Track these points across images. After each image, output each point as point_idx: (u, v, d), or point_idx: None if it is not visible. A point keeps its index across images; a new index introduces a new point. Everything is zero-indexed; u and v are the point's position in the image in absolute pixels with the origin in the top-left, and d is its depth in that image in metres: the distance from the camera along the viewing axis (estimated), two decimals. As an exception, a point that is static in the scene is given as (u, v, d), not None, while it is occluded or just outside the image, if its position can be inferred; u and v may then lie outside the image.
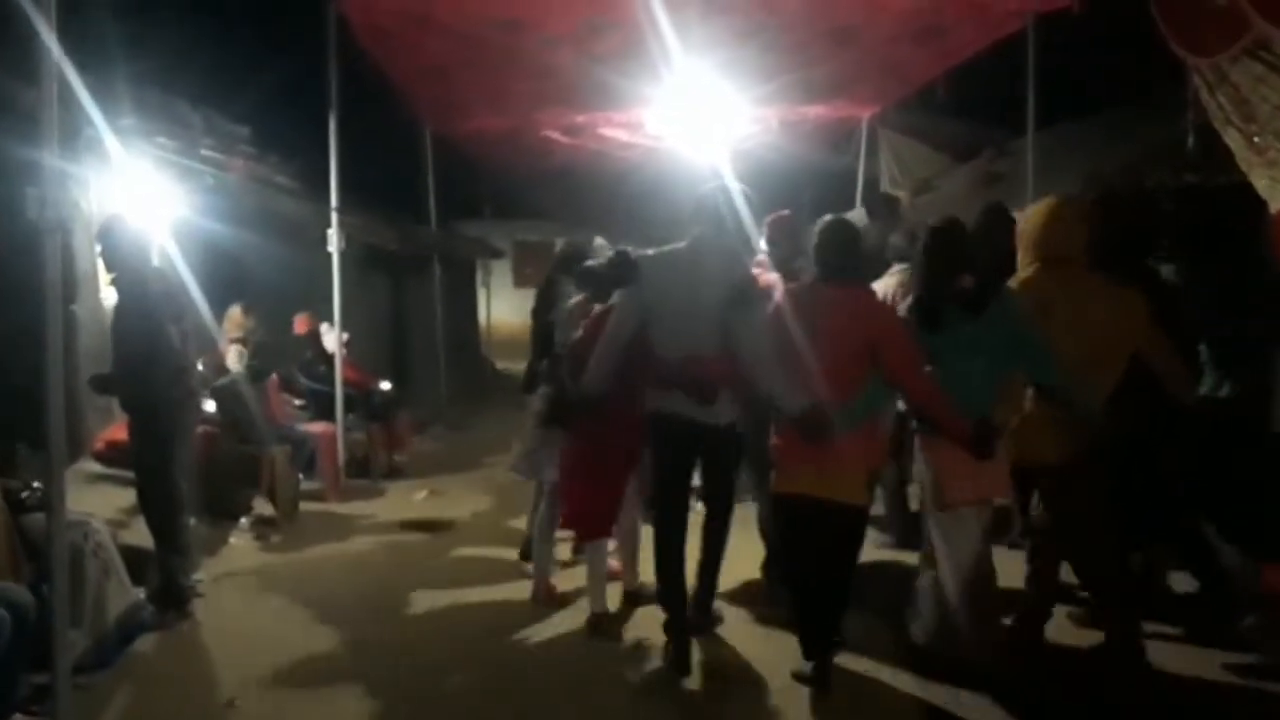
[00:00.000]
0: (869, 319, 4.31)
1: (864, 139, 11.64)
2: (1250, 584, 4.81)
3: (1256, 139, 5.36)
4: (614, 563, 5.63)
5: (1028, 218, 4.73)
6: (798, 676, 4.45)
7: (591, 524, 5.21)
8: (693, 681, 4.58)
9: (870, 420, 4.39)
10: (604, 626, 5.17)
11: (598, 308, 5.17)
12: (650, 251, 4.80)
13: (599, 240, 6.20)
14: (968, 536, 4.36)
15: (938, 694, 4.31)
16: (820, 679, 4.37)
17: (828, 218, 4.56)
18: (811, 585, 4.47)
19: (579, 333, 5.19)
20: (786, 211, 5.88)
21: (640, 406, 4.73)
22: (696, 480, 4.96)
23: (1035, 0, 6.91)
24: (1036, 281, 4.47)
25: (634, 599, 5.51)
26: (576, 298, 5.53)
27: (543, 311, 6.01)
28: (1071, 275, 4.45)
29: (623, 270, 4.93)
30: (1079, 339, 4.31)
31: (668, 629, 4.75)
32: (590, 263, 5.58)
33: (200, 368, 6.36)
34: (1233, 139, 5.57)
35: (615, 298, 4.94)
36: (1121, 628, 4.50)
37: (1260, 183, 5.49)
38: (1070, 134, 9.89)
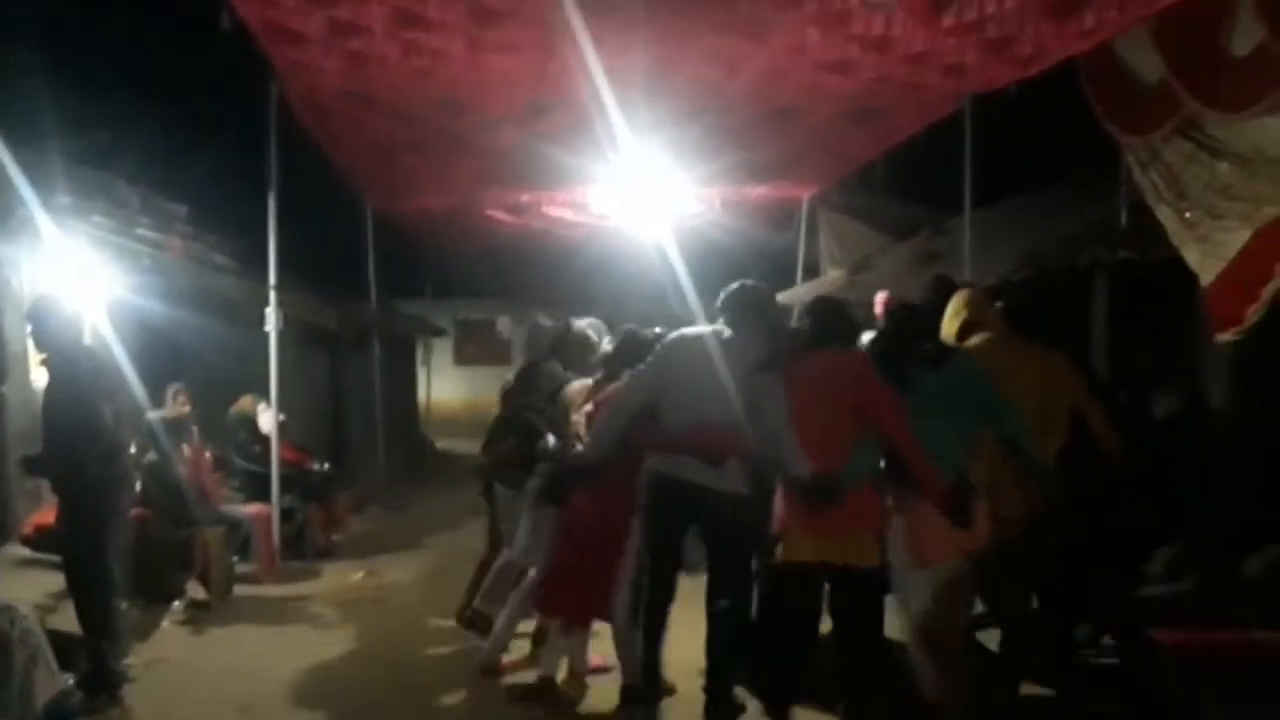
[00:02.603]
0: (856, 381, 4.40)
1: (804, 218, 11.82)
2: None
3: (1188, 215, 5.54)
4: (596, 657, 5.42)
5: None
6: None
7: (576, 608, 5.11)
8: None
9: (866, 481, 4.40)
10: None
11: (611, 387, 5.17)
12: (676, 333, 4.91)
13: (588, 320, 6.23)
14: (936, 589, 4.36)
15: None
16: None
17: (815, 297, 4.87)
18: (784, 662, 4.49)
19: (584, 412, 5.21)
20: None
21: (633, 488, 4.79)
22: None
23: (971, 82, 7.08)
24: (978, 350, 4.65)
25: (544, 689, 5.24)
26: (583, 380, 5.56)
27: (521, 393, 5.91)
28: (996, 341, 4.70)
29: (640, 347, 5.06)
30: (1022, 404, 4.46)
31: (633, 697, 4.77)
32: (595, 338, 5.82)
33: (133, 449, 6.18)
34: (1165, 215, 5.75)
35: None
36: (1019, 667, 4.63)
37: (1192, 257, 5.66)
38: (1006, 212, 10.10)
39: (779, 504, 4.52)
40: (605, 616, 5.06)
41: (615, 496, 4.88)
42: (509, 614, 5.55)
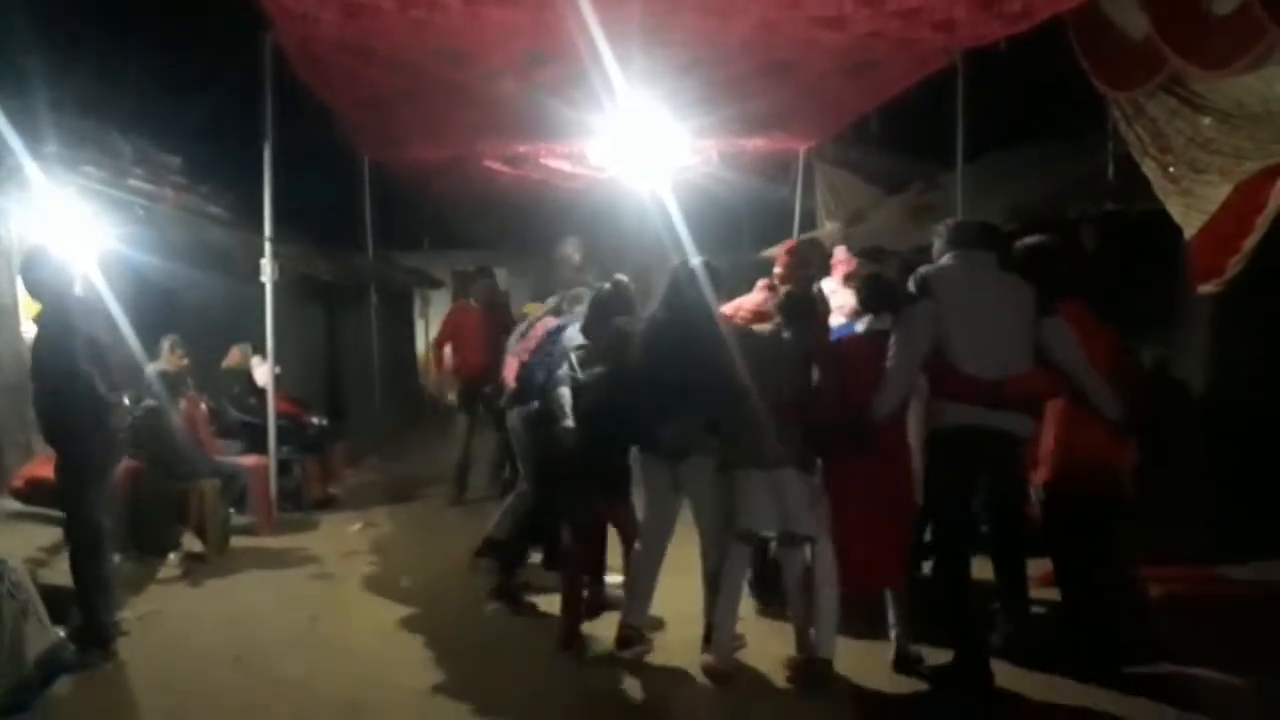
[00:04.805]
0: (1110, 334, 4.75)
1: (800, 171, 11.82)
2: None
3: (1172, 169, 5.59)
4: None
5: None
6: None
7: (881, 576, 4.78)
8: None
9: None
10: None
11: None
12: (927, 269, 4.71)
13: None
14: None
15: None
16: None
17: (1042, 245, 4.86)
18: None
19: None
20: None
21: (902, 432, 4.72)
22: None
23: (962, 37, 7.07)
24: None
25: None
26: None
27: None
28: None
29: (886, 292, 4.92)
30: None
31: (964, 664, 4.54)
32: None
33: (126, 400, 6.22)
34: (1150, 169, 5.80)
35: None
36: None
37: (1175, 210, 5.73)
38: (996, 166, 10.14)
39: (1069, 439, 4.65)
40: (900, 584, 4.79)
41: (894, 452, 4.69)
42: (727, 606, 4.85)
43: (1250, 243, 5.32)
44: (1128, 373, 4.71)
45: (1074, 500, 4.62)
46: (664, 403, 4.92)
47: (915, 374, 4.59)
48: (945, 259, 4.66)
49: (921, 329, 4.50)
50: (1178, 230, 5.88)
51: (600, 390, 5.26)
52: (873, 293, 4.99)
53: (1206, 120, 5.30)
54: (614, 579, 5.73)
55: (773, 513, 4.69)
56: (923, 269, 4.66)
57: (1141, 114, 5.73)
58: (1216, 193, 5.39)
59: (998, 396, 4.38)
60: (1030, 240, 4.88)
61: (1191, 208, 5.57)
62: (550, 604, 5.66)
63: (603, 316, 5.59)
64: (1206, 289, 5.82)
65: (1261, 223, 5.25)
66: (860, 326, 4.99)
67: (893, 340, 4.58)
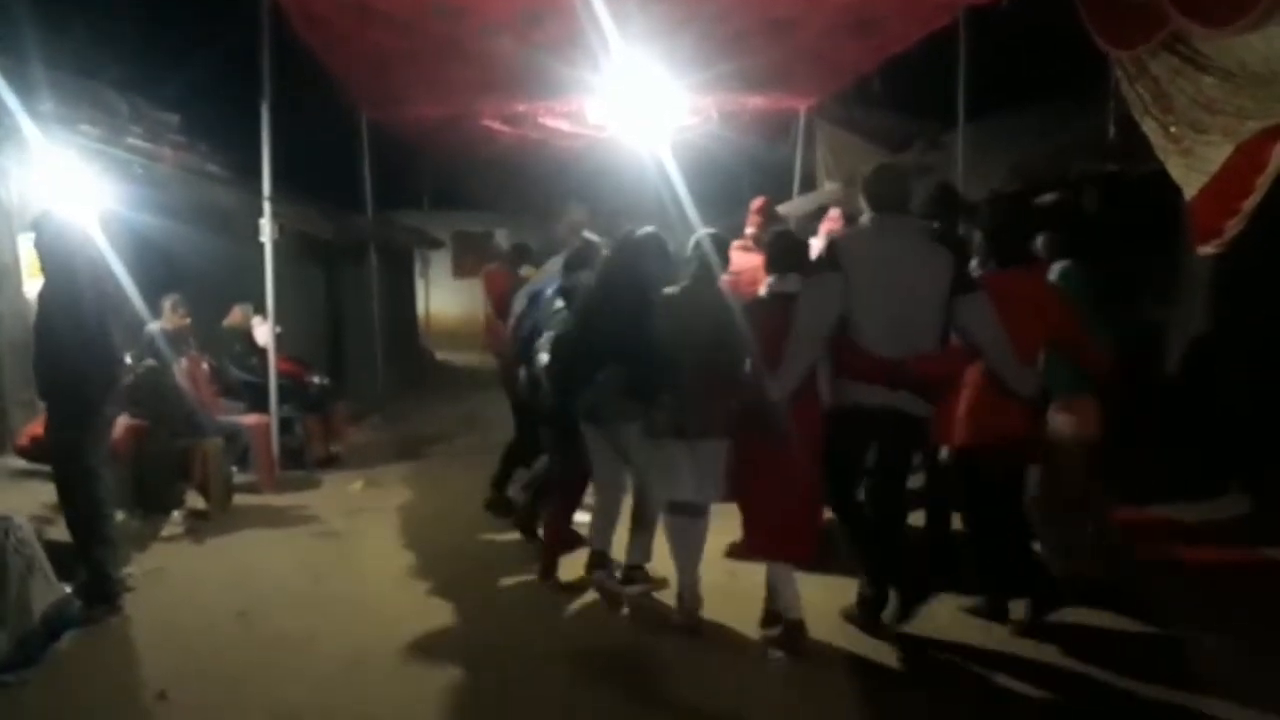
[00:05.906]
0: (1052, 301, 4.59)
1: (801, 130, 11.76)
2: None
3: (1173, 129, 5.56)
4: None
5: None
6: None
7: (797, 545, 4.64)
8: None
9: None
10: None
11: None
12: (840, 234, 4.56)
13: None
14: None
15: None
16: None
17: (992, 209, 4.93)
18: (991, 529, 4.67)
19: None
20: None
21: (814, 405, 4.48)
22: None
23: (965, -6, 7.05)
24: None
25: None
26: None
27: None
28: None
29: (792, 250, 4.71)
30: None
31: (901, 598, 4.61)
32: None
33: (128, 359, 6.24)
34: (1150, 129, 5.78)
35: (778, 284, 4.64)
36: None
37: (1176, 171, 5.71)
38: (998, 126, 10.09)
39: (980, 406, 4.51)
40: (805, 559, 4.68)
41: (799, 425, 4.42)
42: (685, 572, 4.90)
43: (1250, 204, 5.30)
44: (1075, 347, 4.61)
45: (982, 467, 4.56)
46: (586, 366, 4.95)
47: (817, 352, 4.38)
48: (863, 219, 4.43)
49: (826, 305, 4.31)
50: (1178, 191, 5.86)
51: (559, 349, 5.33)
52: (779, 251, 4.75)
53: (1209, 79, 5.25)
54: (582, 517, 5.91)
55: (692, 484, 4.72)
56: (834, 235, 4.58)
57: (1144, 73, 5.69)
58: (1217, 153, 5.35)
59: (898, 377, 4.23)
60: (1045, 199, 4.92)
61: (1192, 168, 5.54)
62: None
63: (574, 273, 5.71)
64: (1206, 250, 5.81)
65: (1262, 183, 5.22)
66: (763, 289, 4.75)
67: (797, 314, 4.37)
